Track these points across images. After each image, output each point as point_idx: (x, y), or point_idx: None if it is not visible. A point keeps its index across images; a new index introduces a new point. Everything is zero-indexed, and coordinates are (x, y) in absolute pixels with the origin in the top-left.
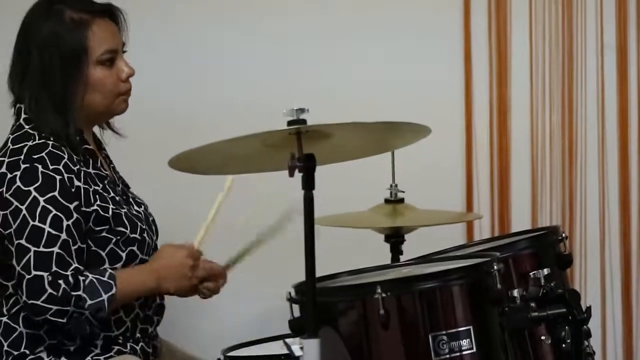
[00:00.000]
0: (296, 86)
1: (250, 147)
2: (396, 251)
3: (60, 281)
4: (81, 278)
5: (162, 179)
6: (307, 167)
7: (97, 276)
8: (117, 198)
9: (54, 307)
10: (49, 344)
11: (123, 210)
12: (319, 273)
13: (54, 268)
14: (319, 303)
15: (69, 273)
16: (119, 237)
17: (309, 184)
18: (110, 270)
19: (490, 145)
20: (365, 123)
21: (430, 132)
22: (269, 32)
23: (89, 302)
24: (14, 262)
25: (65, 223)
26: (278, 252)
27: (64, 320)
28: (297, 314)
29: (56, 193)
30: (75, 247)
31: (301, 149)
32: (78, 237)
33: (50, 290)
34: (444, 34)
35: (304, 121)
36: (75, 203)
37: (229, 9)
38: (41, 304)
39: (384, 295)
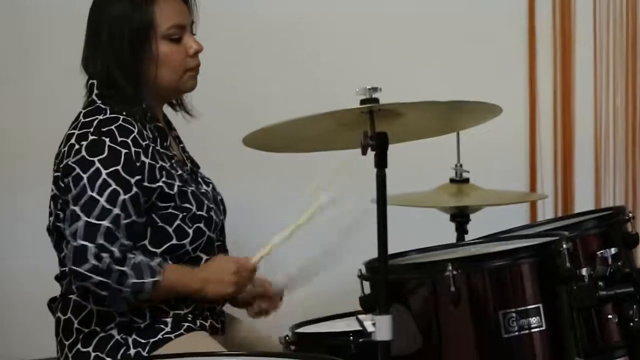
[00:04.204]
0: (363, 64)
1: (323, 125)
2: (461, 230)
3: (105, 254)
4: (130, 255)
5: (232, 160)
6: (379, 145)
7: (146, 260)
8: (185, 176)
9: (96, 278)
10: (120, 321)
11: (190, 188)
12: None
13: (101, 241)
14: (390, 280)
15: (115, 248)
16: (185, 214)
17: (381, 162)
18: (160, 259)
19: (554, 126)
20: (437, 102)
21: (502, 112)
22: (340, 10)
23: (132, 280)
24: (65, 225)
25: (121, 197)
26: (346, 230)
27: (105, 293)
28: (367, 291)
29: (119, 167)
30: (128, 221)
31: (374, 127)
32: (134, 212)
33: (93, 262)
34: (509, 15)
35: (376, 100)
36: (138, 177)
37: None
38: (84, 272)
39: (455, 272)
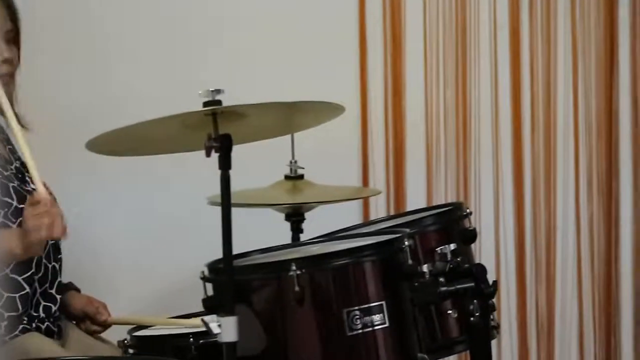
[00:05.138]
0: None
1: (168, 128)
2: (297, 230)
3: None
4: None
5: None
6: (223, 147)
7: None
8: (6, 174)
9: None
10: None
11: (11, 184)
12: (218, 251)
13: None
14: (234, 281)
15: None
16: (6, 210)
17: (226, 164)
18: None
19: (385, 122)
20: (279, 103)
21: (345, 111)
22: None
23: None
24: None
25: None
26: (183, 232)
27: None
28: (210, 292)
29: None
30: None
31: (217, 129)
32: None
33: None
34: (339, 15)
35: (219, 102)
36: None
37: None
38: None
39: (299, 272)
